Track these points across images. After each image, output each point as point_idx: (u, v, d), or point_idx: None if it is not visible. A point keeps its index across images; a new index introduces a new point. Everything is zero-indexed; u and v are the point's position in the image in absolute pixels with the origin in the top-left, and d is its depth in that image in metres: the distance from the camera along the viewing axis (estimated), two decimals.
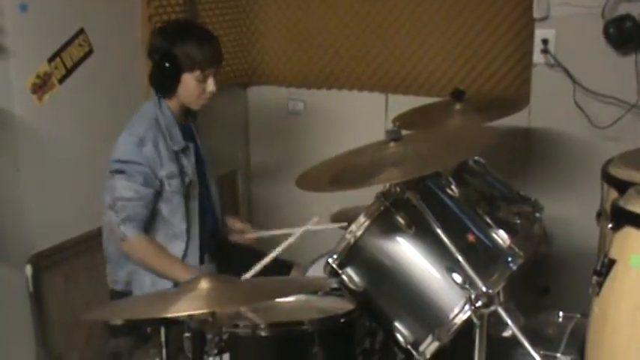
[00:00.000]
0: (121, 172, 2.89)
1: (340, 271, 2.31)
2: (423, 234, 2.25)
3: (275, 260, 2.74)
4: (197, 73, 2.93)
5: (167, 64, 2.91)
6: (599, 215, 2.72)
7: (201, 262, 3.07)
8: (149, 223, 2.96)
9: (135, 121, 2.97)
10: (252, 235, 3.30)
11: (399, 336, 2.24)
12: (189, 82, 2.94)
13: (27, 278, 3.20)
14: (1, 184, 3.09)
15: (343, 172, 2.39)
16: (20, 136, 3.15)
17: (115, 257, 3.05)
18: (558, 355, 2.48)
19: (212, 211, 3.21)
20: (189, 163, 3.02)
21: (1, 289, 3.12)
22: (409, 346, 2.24)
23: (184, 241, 3.01)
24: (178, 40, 2.92)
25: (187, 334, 2.34)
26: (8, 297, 3.16)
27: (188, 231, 3.02)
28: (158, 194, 2.94)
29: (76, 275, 3.40)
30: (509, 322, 2.11)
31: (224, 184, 3.50)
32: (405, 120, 3.27)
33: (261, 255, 2.73)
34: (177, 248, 3.00)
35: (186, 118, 3.09)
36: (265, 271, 2.67)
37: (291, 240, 2.84)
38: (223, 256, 3.19)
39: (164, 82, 2.95)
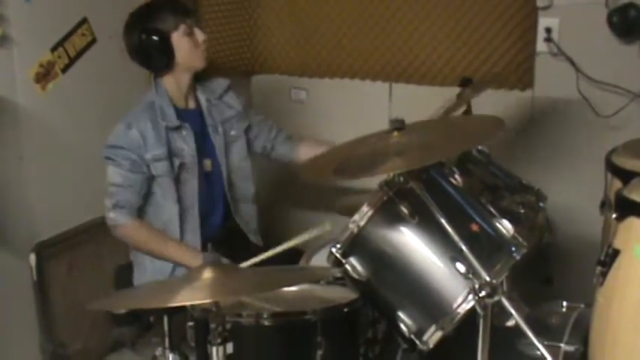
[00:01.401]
0: (109, 158, 2.93)
1: (344, 261, 2.30)
2: (426, 224, 2.24)
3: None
4: (182, 28, 2.96)
5: (154, 37, 2.93)
6: (602, 205, 2.72)
7: (204, 250, 3.05)
8: (144, 207, 2.99)
9: (133, 110, 3.00)
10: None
11: (402, 325, 2.24)
12: (180, 41, 2.97)
13: (31, 267, 3.22)
14: (4, 173, 3.10)
15: (347, 162, 2.38)
16: (23, 125, 3.15)
17: None
18: (562, 345, 2.48)
19: (223, 197, 3.18)
20: (184, 143, 3.02)
21: (5, 277, 3.13)
22: (412, 336, 2.24)
23: (177, 226, 3.01)
24: (150, 14, 2.97)
25: (190, 324, 2.34)
26: (12, 286, 3.17)
27: (182, 216, 3.02)
28: (151, 178, 2.95)
29: (79, 264, 3.41)
30: (512, 311, 2.10)
31: None
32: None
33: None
34: (171, 233, 3.01)
35: (195, 99, 3.10)
36: (276, 259, 2.69)
37: (294, 242, 2.82)
38: (231, 246, 3.07)
39: (159, 56, 2.96)
